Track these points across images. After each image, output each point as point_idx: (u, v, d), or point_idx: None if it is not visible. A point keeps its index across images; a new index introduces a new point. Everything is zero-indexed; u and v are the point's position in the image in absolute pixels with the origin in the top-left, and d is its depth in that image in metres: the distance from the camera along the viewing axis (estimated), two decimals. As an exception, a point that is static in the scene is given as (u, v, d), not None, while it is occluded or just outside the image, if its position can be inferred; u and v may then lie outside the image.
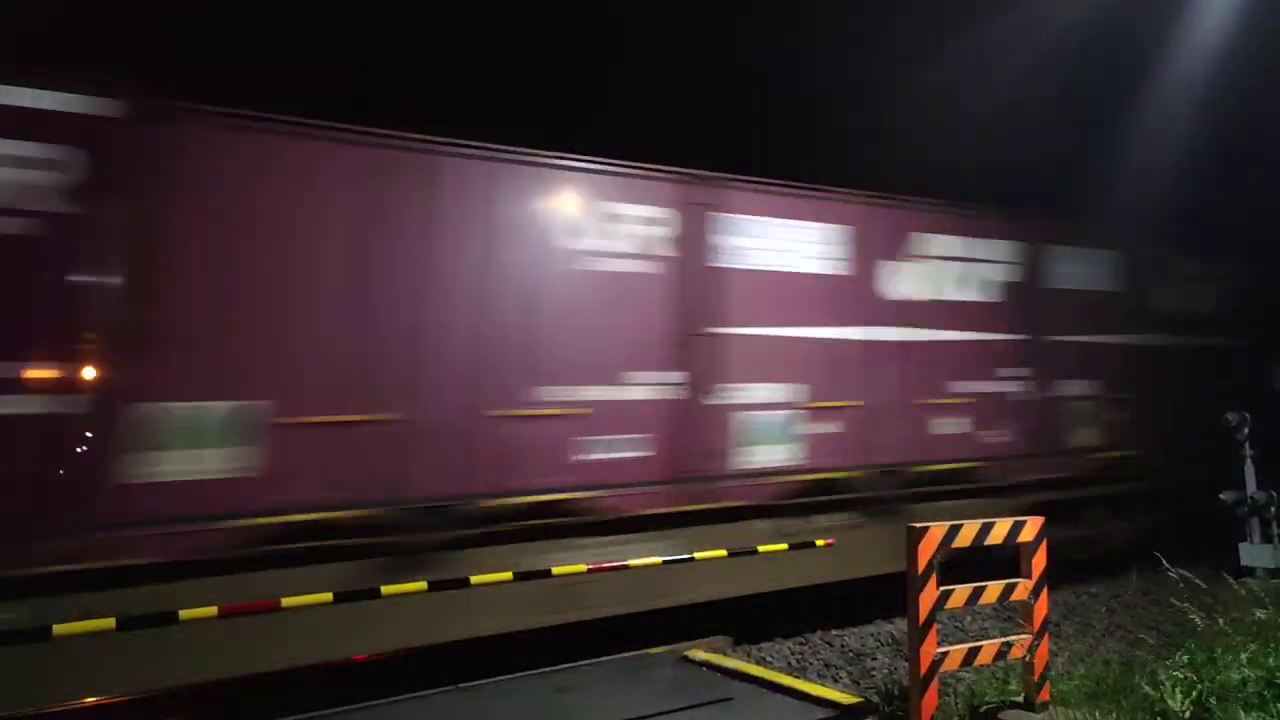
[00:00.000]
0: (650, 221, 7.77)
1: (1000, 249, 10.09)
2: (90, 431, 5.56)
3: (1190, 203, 12.81)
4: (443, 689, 6.26)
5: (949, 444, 9.25)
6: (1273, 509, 9.21)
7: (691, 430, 7.73)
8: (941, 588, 5.12)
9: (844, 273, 8.80)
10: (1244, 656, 5.56)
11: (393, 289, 6.60)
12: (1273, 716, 4.84)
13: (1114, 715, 4.98)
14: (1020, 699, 5.39)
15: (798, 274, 8.51)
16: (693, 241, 7.94)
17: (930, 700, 5.05)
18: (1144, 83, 13.69)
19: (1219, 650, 5.74)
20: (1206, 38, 12.74)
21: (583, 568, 6.08)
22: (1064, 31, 12.81)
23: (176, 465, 5.76)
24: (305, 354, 6.24)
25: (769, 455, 8.09)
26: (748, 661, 6.96)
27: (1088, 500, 10.30)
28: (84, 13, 9.63)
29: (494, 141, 7.15)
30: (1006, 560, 5.66)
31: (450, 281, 6.82)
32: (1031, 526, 5.48)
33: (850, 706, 5.65)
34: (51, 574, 5.30)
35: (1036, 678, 5.31)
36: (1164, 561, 6.82)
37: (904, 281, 9.19)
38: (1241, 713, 4.85)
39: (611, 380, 7.39)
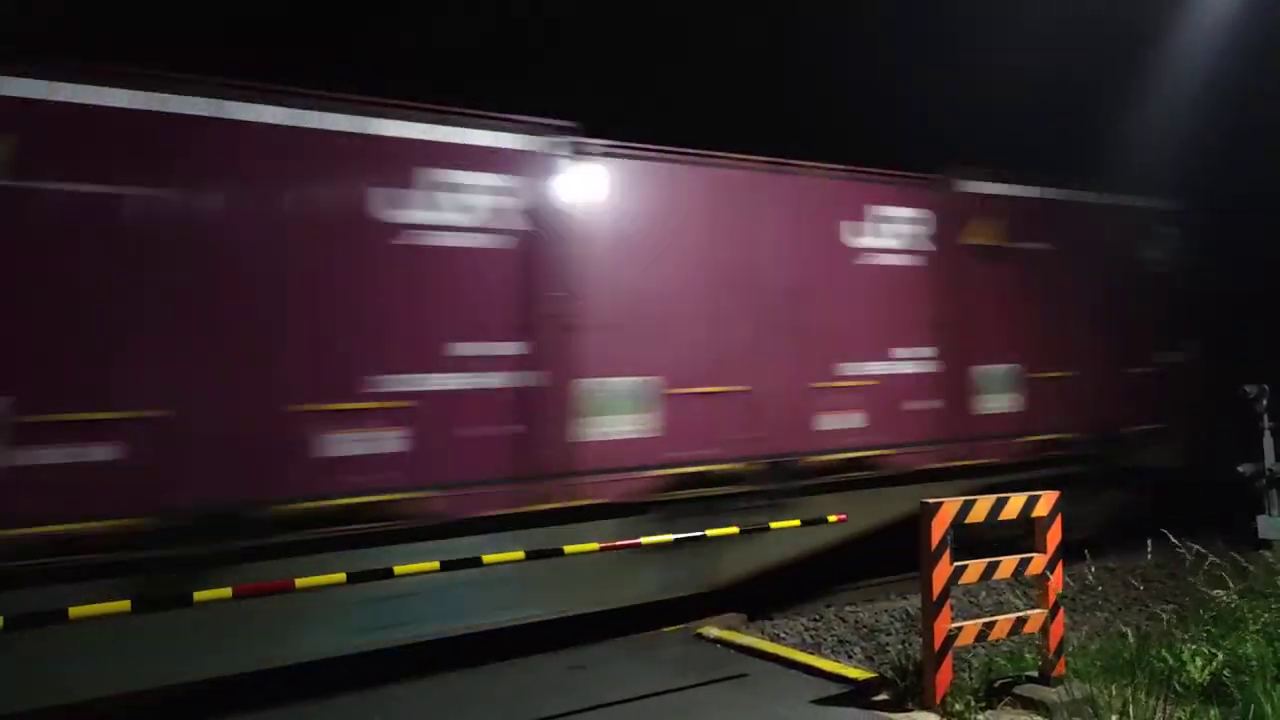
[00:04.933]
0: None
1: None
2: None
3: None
4: (459, 669, 6.29)
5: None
6: (1292, 481, 9.10)
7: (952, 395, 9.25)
8: (955, 563, 5.10)
9: None
10: (1259, 627, 5.53)
11: (740, 289, 8.04)
12: None
13: (1130, 688, 4.94)
14: (1036, 673, 5.37)
15: None
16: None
17: (945, 675, 5.04)
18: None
19: (1236, 622, 5.70)
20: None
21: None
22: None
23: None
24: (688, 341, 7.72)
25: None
26: (761, 638, 6.96)
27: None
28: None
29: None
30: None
31: (777, 282, 8.28)
32: (1046, 501, 5.43)
33: (864, 682, 5.64)
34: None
35: (1052, 652, 5.29)
36: (1180, 536, 6.76)
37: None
38: (1259, 687, 4.81)
39: (886, 358, 8.88)
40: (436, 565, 5.26)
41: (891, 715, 5.07)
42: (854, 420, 8.59)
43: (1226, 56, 12.50)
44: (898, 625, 7.60)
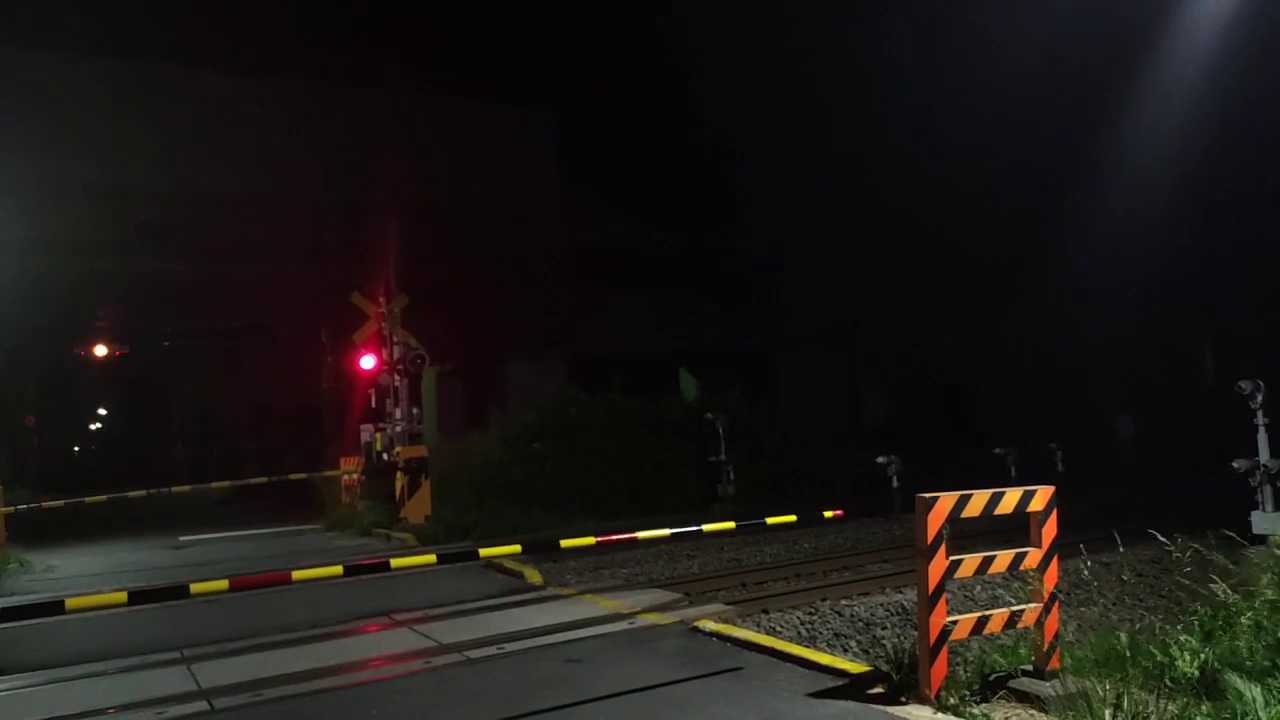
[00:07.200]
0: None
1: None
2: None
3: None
4: (454, 661, 6.31)
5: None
6: (1286, 477, 9.14)
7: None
8: (951, 557, 5.11)
9: None
10: (1251, 622, 5.55)
11: None
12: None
13: (1124, 682, 4.97)
14: (1030, 667, 5.39)
15: None
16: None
17: (940, 668, 5.06)
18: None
19: (1228, 617, 5.73)
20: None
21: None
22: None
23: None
24: None
25: None
26: (757, 631, 6.98)
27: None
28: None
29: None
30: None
31: None
32: (1042, 496, 5.45)
33: (860, 675, 5.66)
34: None
35: (1046, 646, 5.31)
36: (1174, 531, 6.79)
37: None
38: (1241, 680, 4.83)
39: None
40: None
41: (887, 708, 5.09)
42: None
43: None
44: (893, 619, 7.64)
